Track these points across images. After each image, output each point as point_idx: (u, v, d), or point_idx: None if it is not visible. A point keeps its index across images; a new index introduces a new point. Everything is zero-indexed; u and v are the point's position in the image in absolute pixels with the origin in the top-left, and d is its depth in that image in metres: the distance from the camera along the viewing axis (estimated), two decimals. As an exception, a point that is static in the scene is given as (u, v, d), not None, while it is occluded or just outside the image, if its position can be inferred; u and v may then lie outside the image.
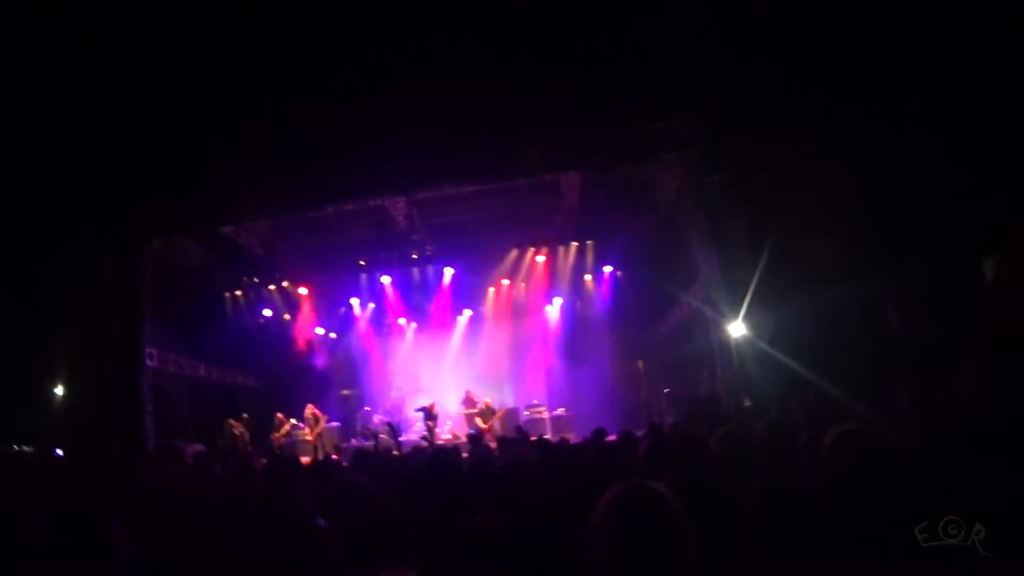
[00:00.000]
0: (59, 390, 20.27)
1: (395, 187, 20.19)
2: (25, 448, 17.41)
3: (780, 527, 2.61)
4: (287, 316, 27.24)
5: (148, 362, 20.41)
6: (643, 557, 2.36)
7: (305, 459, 16.69)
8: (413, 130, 18.37)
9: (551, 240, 24.94)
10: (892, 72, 13.62)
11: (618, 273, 25.27)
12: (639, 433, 10.25)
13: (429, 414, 22.69)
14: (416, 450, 10.64)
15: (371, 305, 27.68)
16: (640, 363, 24.93)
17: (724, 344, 18.01)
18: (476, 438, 14.51)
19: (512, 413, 23.65)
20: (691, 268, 20.00)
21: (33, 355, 19.46)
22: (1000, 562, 2.62)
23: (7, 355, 18.27)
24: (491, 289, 27.00)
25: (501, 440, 13.45)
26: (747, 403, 16.43)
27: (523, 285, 26.53)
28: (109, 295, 19.87)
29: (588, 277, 25.94)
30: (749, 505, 2.70)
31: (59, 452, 15.77)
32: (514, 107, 17.76)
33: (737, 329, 17.18)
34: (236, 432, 22.76)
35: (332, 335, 28.00)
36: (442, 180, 19.89)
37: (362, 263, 25.71)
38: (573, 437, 18.04)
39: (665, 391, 23.30)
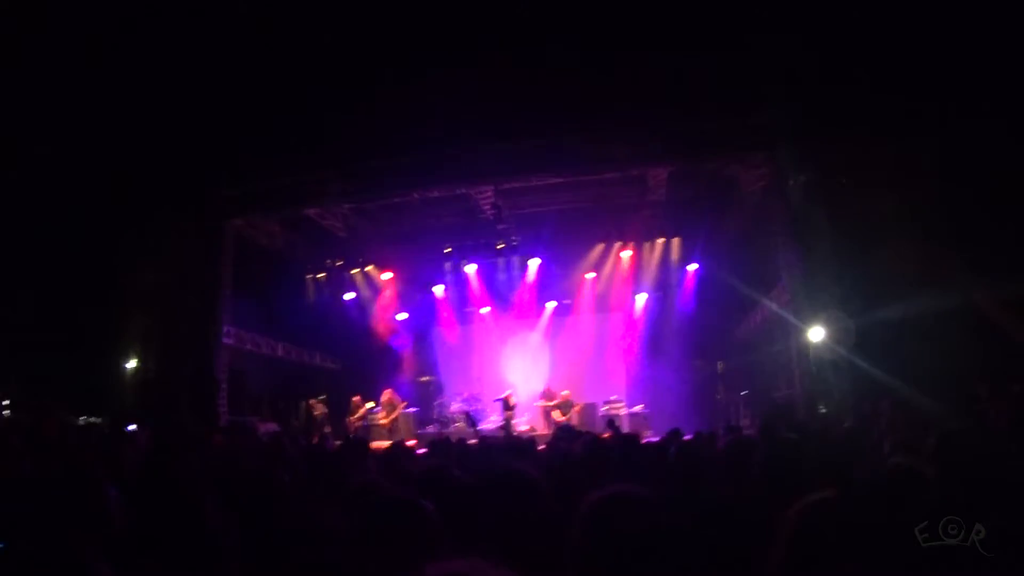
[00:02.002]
0: (131, 364, 20.63)
1: (482, 175, 20.20)
2: (94, 420, 17.75)
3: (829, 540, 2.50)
4: (369, 300, 27.36)
5: (225, 339, 20.72)
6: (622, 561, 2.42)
7: (380, 443, 16.82)
8: (502, 119, 18.33)
9: (637, 235, 24.72)
10: (980, 74, 13.20)
11: (702, 271, 24.92)
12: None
13: (507, 404, 22.60)
14: (491, 439, 10.59)
15: (454, 293, 27.67)
16: (720, 364, 24.57)
17: (803, 349, 17.71)
18: (568, 429, 14.22)
19: (590, 407, 23.49)
20: (773, 270, 19.77)
21: (107, 328, 19.82)
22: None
23: (82, 327, 18.63)
24: (576, 282, 26.79)
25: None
26: (822, 410, 16.14)
27: (608, 279, 26.33)
28: (188, 272, 20.19)
29: (672, 274, 25.63)
30: (796, 515, 2.57)
31: (131, 426, 15.99)
32: (603, 99, 17.64)
33: (817, 334, 16.87)
34: (316, 413, 22.98)
35: (414, 321, 28.03)
36: (529, 170, 19.84)
37: (447, 250, 25.73)
38: (650, 435, 17.82)
39: (743, 394, 22.98)
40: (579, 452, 6.99)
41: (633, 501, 2.60)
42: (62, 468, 3.82)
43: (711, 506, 3.75)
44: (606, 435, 13.04)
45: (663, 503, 2.60)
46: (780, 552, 2.43)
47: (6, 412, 18.16)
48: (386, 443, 16.86)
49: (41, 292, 17.91)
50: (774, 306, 19.77)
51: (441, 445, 8.95)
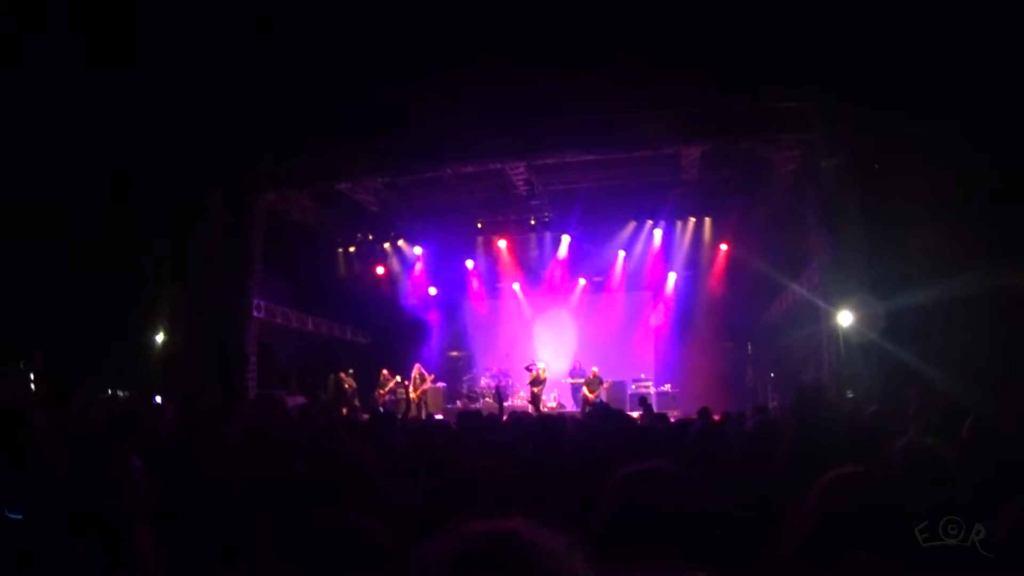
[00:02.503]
0: (159, 337, 20.77)
1: (515, 151, 20.17)
2: (121, 393, 17.89)
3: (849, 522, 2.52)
4: (399, 274, 27.43)
5: (255, 313, 20.82)
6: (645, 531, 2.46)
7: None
8: (536, 95, 18.31)
9: (669, 214, 24.62)
10: (1013, 57, 13.04)
11: (733, 252, 24.81)
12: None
13: (536, 379, 22.60)
14: (521, 415, 10.60)
15: (485, 268, 27.72)
16: (749, 345, 24.51)
17: (833, 333, 17.64)
18: (603, 407, 14.04)
19: (619, 385, 23.53)
20: (804, 253, 19.68)
21: (136, 302, 19.95)
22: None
23: (111, 301, 18.76)
24: (607, 260, 26.73)
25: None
26: (850, 394, 16.07)
27: (639, 258, 26.27)
28: (219, 245, 20.32)
29: (704, 254, 25.54)
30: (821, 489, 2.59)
31: (158, 399, 16.12)
32: (638, 78, 17.58)
33: (846, 319, 16.79)
34: (346, 386, 23.12)
35: (444, 296, 28.09)
36: (563, 147, 19.80)
37: (479, 225, 25.75)
38: (678, 414, 17.84)
39: (771, 376, 22.92)
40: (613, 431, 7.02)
41: (661, 477, 2.61)
42: (87, 441, 3.87)
43: (738, 485, 3.77)
44: (636, 414, 13.08)
45: (690, 480, 2.63)
46: (802, 524, 2.46)
47: (32, 386, 18.34)
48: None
49: (70, 265, 18.04)
50: (804, 289, 19.68)
51: (471, 419, 8.98)
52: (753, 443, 5.21)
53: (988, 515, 2.49)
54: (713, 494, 2.95)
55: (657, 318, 26.76)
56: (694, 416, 10.60)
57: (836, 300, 17.27)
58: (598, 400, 20.37)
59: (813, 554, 2.38)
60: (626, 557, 2.32)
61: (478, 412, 10.81)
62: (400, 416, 17.43)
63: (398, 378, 23.67)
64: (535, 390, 22.55)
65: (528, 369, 22.96)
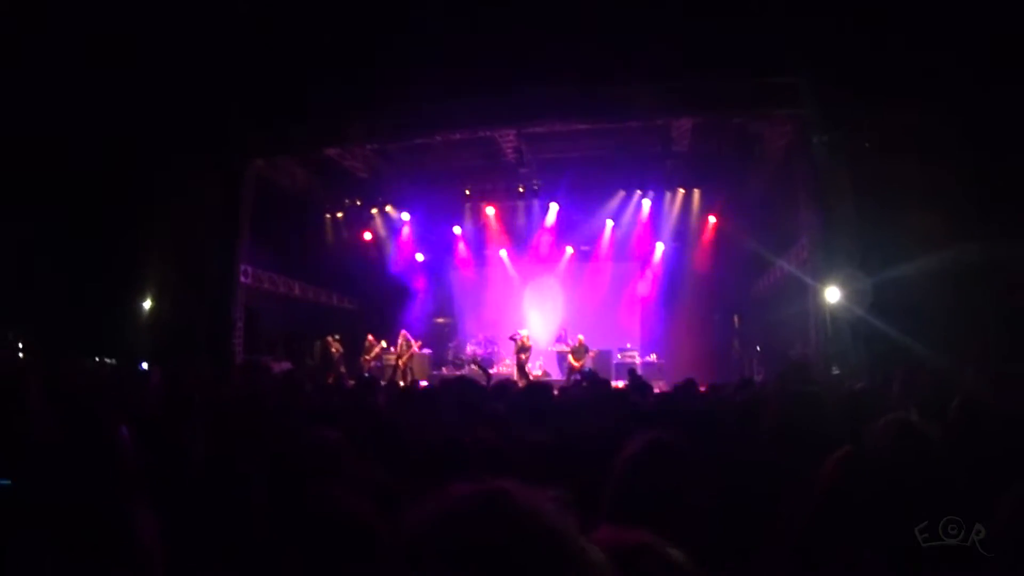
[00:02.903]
0: (146, 304, 20.72)
1: (505, 119, 20.12)
2: (108, 360, 17.86)
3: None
4: (387, 240, 27.37)
5: (242, 279, 20.77)
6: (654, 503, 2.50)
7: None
8: (527, 63, 18.22)
9: (658, 185, 24.60)
10: (1007, 37, 13.04)
11: (721, 225, 24.84)
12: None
13: (521, 348, 22.63)
14: (505, 382, 10.59)
15: (473, 235, 27.70)
16: (735, 318, 24.59)
17: (820, 309, 17.70)
18: (592, 375, 13.96)
19: (604, 355, 23.58)
20: (794, 228, 19.72)
21: (124, 269, 19.88)
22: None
23: (99, 269, 18.68)
24: (595, 229, 26.72)
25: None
26: (836, 371, 16.14)
27: (627, 228, 26.28)
28: (208, 212, 20.24)
29: (692, 226, 25.55)
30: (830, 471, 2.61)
31: (144, 366, 16.10)
32: (630, 48, 17.52)
33: (834, 295, 16.85)
34: (333, 351, 23.13)
35: (431, 262, 28.06)
36: (553, 115, 19.75)
37: (467, 192, 25.70)
38: (663, 385, 17.90)
39: (757, 349, 23.01)
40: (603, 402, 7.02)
41: (671, 449, 2.66)
42: (76, 409, 3.87)
43: (727, 461, 3.78)
44: (620, 383, 13.11)
45: (699, 453, 2.67)
46: (811, 506, 2.47)
47: (20, 355, 18.28)
48: (400, 384, 17.07)
49: (59, 234, 17.95)
50: (792, 265, 19.74)
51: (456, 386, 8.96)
52: (742, 417, 5.23)
53: (979, 499, 2.49)
54: (713, 469, 2.96)
55: (644, 287, 26.79)
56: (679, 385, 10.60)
57: (824, 276, 17.30)
58: (587, 369, 20.38)
59: (816, 542, 2.40)
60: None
61: (463, 378, 10.78)
62: (384, 382, 17.46)
63: (383, 344, 23.68)
64: (521, 357, 22.56)
65: (512, 339, 22.98)
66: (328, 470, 3.53)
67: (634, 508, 2.45)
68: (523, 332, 23.20)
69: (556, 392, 8.00)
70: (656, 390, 10.22)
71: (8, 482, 2.85)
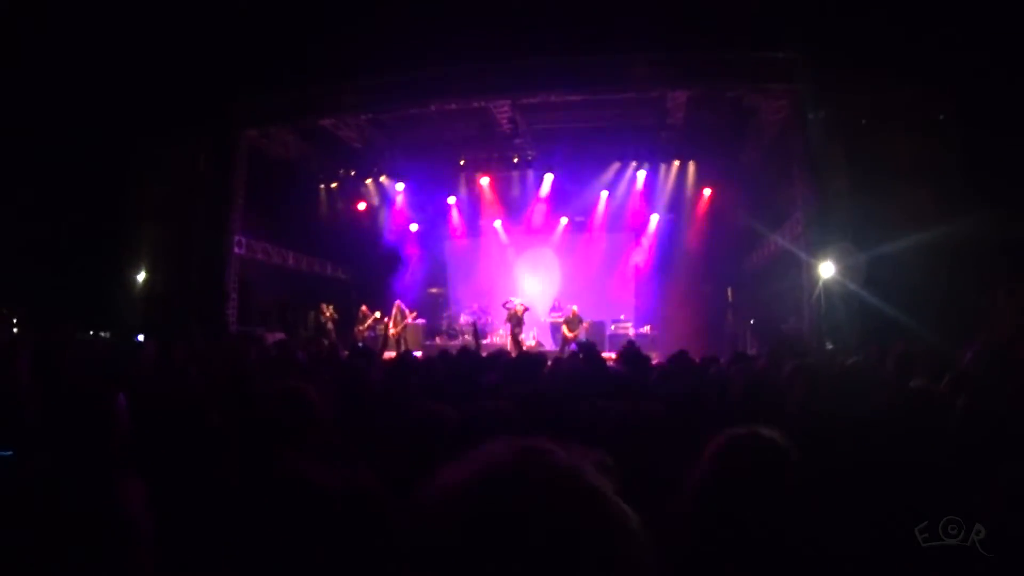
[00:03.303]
0: (140, 276, 20.71)
1: (500, 89, 20.06)
2: (103, 334, 17.85)
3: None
4: (381, 211, 27.33)
5: (236, 249, 20.76)
6: (751, 511, 2.21)
7: (388, 354, 16.94)
8: (522, 33, 18.16)
9: (653, 156, 24.57)
10: (1001, 16, 13.03)
11: (716, 197, 24.84)
12: (721, 360, 10.02)
13: (515, 318, 22.62)
14: (498, 353, 10.57)
15: (467, 205, 27.65)
16: (729, 291, 24.63)
17: (814, 283, 17.74)
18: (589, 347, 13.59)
19: (598, 326, 23.60)
20: (788, 202, 19.75)
21: (118, 242, 19.84)
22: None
23: (92, 241, 18.64)
24: (590, 200, 26.69)
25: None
26: (829, 345, 16.17)
27: (621, 199, 26.26)
28: (201, 182, 20.21)
29: (687, 199, 25.53)
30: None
31: (140, 337, 16.08)
32: (627, 19, 17.46)
33: (828, 269, 16.87)
34: (324, 318, 23.13)
35: (425, 232, 28.04)
36: (548, 86, 19.70)
37: (462, 163, 25.63)
38: (656, 357, 17.93)
39: (751, 322, 23.05)
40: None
41: (765, 444, 2.38)
42: (66, 382, 3.88)
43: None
44: (612, 355, 13.12)
45: (796, 448, 2.41)
46: None
47: (15, 328, 18.26)
48: (392, 353, 17.11)
49: (51, 207, 17.88)
50: (786, 239, 19.77)
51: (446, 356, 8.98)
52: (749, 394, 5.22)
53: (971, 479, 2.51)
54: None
55: (638, 258, 26.78)
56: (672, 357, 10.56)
57: (818, 250, 17.35)
58: (583, 339, 20.37)
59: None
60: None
61: (465, 350, 10.73)
62: (378, 352, 17.52)
63: (377, 314, 23.68)
64: (515, 328, 22.57)
65: (505, 307, 22.97)
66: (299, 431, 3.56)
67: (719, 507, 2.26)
68: (516, 300, 23.19)
69: (549, 363, 8.01)
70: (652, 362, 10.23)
71: (10, 453, 2.87)
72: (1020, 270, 13.72)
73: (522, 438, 1.21)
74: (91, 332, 17.70)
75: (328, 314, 23.31)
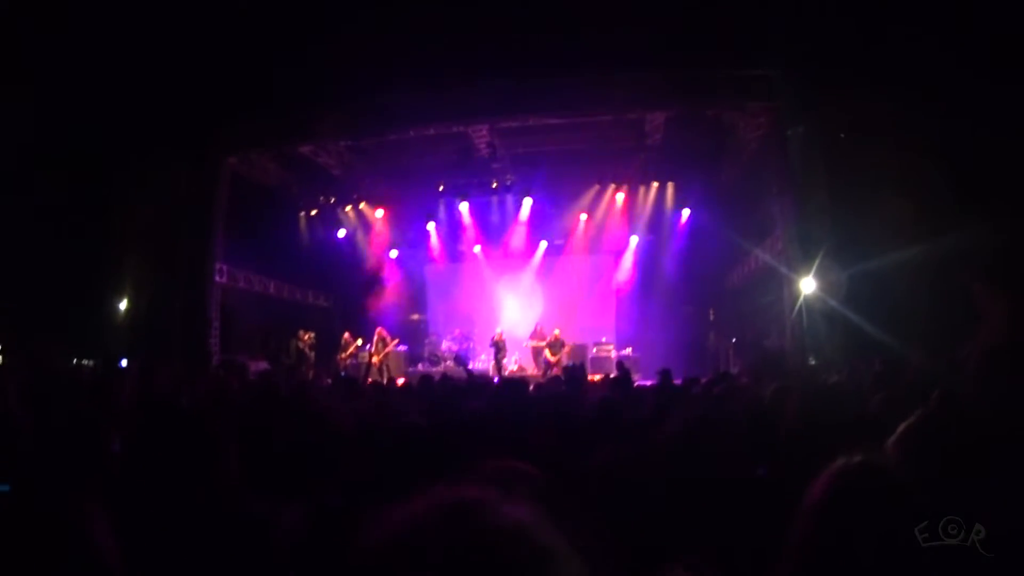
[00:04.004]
0: (123, 304, 20.61)
1: (478, 113, 20.11)
2: (86, 362, 17.73)
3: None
4: (361, 238, 27.29)
5: (217, 277, 20.72)
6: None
7: (369, 380, 16.88)
8: (499, 58, 18.23)
9: (632, 178, 24.68)
10: (980, 26, 13.14)
11: (695, 218, 24.96)
12: (703, 380, 10.01)
13: (498, 346, 22.69)
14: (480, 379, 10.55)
15: (447, 231, 27.65)
16: (711, 311, 24.70)
17: (795, 299, 17.79)
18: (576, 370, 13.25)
19: (580, 348, 23.60)
20: (767, 219, 19.82)
21: (101, 269, 19.74)
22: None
23: (75, 269, 18.53)
24: (569, 223, 26.77)
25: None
26: (812, 362, 16.19)
27: (601, 221, 26.36)
28: (182, 210, 20.17)
29: (666, 219, 25.64)
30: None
31: (123, 363, 15.97)
32: (605, 42, 17.55)
33: (808, 285, 16.93)
34: (302, 343, 23.04)
35: (405, 259, 28.03)
36: (526, 109, 19.75)
37: (440, 188, 25.65)
38: (639, 378, 17.91)
39: (732, 341, 23.10)
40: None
41: (877, 473, 2.10)
42: (59, 413, 3.84)
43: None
44: (594, 377, 13.09)
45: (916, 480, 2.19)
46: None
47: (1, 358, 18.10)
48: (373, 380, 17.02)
49: (32, 234, 17.75)
50: (767, 255, 19.82)
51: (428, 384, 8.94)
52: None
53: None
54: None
55: (619, 280, 26.84)
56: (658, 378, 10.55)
57: (799, 267, 17.40)
58: (573, 363, 20.37)
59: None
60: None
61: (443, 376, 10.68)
62: (361, 380, 17.47)
63: (359, 342, 23.64)
64: (499, 355, 22.62)
65: (494, 343, 23.05)
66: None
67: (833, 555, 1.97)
68: (497, 330, 23.36)
69: (531, 388, 8.01)
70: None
71: (7, 488, 2.83)
72: (1004, 282, 13.77)
73: (461, 488, 1.17)
74: (75, 359, 17.60)
75: (306, 339, 23.23)
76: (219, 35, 17.37)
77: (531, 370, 23.55)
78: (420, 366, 24.57)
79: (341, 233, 27.05)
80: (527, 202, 25.96)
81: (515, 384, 7.80)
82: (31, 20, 15.82)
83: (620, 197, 25.35)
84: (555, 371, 20.28)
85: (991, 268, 13.20)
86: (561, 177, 24.91)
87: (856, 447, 2.96)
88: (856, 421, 3.91)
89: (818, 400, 4.42)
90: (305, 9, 17.30)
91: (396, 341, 23.72)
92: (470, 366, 20.94)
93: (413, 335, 26.88)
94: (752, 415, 5.27)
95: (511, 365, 23.82)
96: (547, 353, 22.57)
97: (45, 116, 17.06)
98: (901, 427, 2.74)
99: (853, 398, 5.69)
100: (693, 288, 25.33)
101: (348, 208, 26.52)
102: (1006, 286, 12.55)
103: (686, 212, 25.17)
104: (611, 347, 24.17)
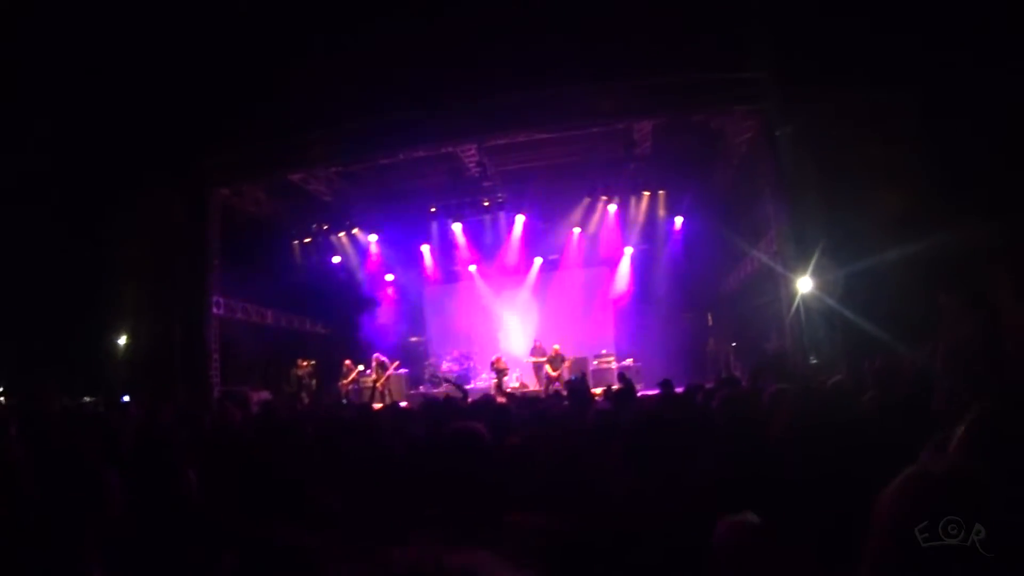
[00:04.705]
0: (123, 340, 20.61)
1: (466, 133, 20.12)
2: (87, 399, 17.70)
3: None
4: (356, 263, 27.29)
5: (215, 310, 20.72)
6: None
7: (375, 405, 16.90)
8: (485, 75, 18.24)
9: (623, 189, 24.68)
10: (964, 21, 13.16)
11: (689, 224, 24.99)
12: (708, 386, 10.00)
13: (499, 371, 22.80)
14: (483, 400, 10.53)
15: (441, 252, 27.66)
16: (709, 316, 24.70)
17: (792, 300, 17.78)
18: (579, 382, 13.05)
19: (580, 362, 23.58)
20: (761, 221, 19.87)
21: (98, 306, 19.73)
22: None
23: (72, 306, 18.52)
24: (563, 237, 26.80)
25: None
26: (813, 361, 16.17)
27: (594, 234, 26.39)
28: (176, 244, 20.16)
29: (659, 228, 25.68)
30: None
31: (125, 399, 15.95)
32: (589, 53, 17.57)
33: (805, 285, 16.92)
34: (301, 371, 23.04)
35: (401, 282, 28.05)
36: (514, 126, 19.78)
37: (432, 210, 25.67)
38: (641, 388, 17.89)
39: (733, 345, 23.09)
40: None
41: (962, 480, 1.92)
42: (60, 455, 3.82)
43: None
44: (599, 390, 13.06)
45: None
46: None
47: (2, 399, 18.07)
48: (379, 405, 17.03)
49: (28, 273, 17.72)
50: (763, 257, 19.82)
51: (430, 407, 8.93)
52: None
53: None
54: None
55: (616, 292, 26.85)
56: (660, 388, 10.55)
57: (795, 267, 17.39)
58: (575, 377, 20.35)
59: None
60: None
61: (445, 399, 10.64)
62: (367, 405, 17.55)
63: (360, 367, 23.63)
64: (500, 375, 22.78)
65: (495, 369, 23.13)
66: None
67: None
68: (495, 356, 23.77)
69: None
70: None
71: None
72: (994, 277, 13.74)
73: (451, 547, 1.16)
74: (77, 397, 17.56)
75: (305, 366, 23.24)
76: (206, 65, 17.41)
77: (533, 386, 23.54)
78: (422, 388, 24.56)
79: (336, 260, 27.01)
80: (519, 219, 26.01)
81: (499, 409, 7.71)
82: (19, 48, 15.86)
83: (612, 208, 25.33)
84: (556, 386, 20.30)
85: (976, 263, 13.22)
86: (552, 192, 24.98)
87: (854, 448, 2.95)
88: (852, 421, 3.89)
89: (814, 401, 4.41)
90: (287, 41, 17.33)
91: (396, 364, 23.74)
92: (470, 386, 20.95)
93: (413, 357, 26.84)
94: (691, 416, 5.29)
95: (512, 383, 23.80)
96: (548, 368, 22.60)
97: (38, 152, 17.09)
98: (961, 429, 2.59)
99: (853, 397, 5.69)
100: (690, 295, 25.37)
101: (341, 234, 26.45)
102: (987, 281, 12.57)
103: (679, 219, 25.21)
104: (612, 359, 24.16)
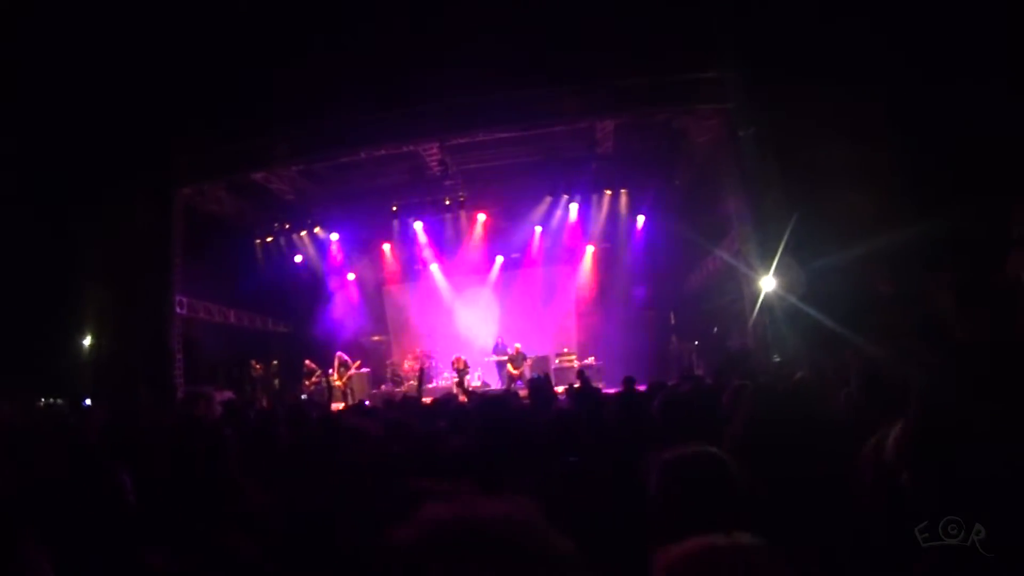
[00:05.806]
0: (87, 341, 20.40)
1: (427, 131, 20.07)
2: (53, 400, 17.52)
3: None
4: (318, 262, 27.17)
5: (178, 310, 20.55)
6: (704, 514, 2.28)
7: (336, 405, 16.83)
8: (447, 74, 18.24)
9: (585, 188, 24.73)
10: (926, 22, 13.31)
11: (651, 223, 25.08)
12: (669, 383, 10.03)
13: (460, 371, 22.79)
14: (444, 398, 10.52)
15: (402, 251, 27.60)
16: (671, 315, 24.81)
17: (756, 298, 17.87)
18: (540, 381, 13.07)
19: (542, 360, 23.62)
20: (724, 221, 19.95)
21: (62, 307, 19.52)
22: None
23: (35, 307, 18.30)
24: (524, 236, 26.81)
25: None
26: (776, 359, 16.27)
27: (556, 233, 26.42)
28: (140, 244, 19.96)
29: (621, 226, 25.74)
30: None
31: (87, 402, 15.80)
32: (551, 52, 17.59)
33: (768, 284, 17.01)
34: (255, 372, 22.95)
35: (363, 281, 27.96)
36: (476, 125, 19.75)
37: (394, 208, 25.60)
38: (603, 387, 17.92)
39: (695, 343, 23.20)
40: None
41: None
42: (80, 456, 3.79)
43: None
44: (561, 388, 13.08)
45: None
46: None
47: None
48: (341, 404, 16.98)
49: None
50: (725, 255, 19.91)
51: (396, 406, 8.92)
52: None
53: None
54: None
55: (580, 286, 26.91)
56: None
57: (758, 266, 17.48)
58: (536, 375, 20.35)
59: None
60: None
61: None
62: (324, 404, 17.54)
63: (322, 368, 23.56)
64: (461, 374, 22.76)
65: (456, 368, 23.13)
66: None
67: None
68: (455, 355, 23.73)
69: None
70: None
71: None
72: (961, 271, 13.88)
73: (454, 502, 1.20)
74: (42, 399, 17.36)
75: (259, 368, 23.14)
76: (167, 68, 17.28)
77: (495, 385, 23.56)
78: (383, 387, 24.50)
79: (298, 259, 26.86)
80: (481, 217, 26.03)
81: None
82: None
83: (574, 207, 25.37)
84: (518, 384, 20.34)
85: (941, 258, 13.36)
86: (513, 190, 25.02)
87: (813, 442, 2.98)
88: (813, 417, 3.93)
89: (774, 397, 4.43)
90: (249, 41, 17.23)
91: (358, 364, 23.70)
92: (432, 384, 20.93)
93: (376, 356, 26.77)
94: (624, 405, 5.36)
95: (474, 381, 23.80)
96: (509, 367, 22.62)
97: (0, 152, 16.88)
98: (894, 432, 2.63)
99: (816, 394, 5.74)
100: (653, 293, 25.44)
101: (303, 233, 26.33)
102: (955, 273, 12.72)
103: (641, 218, 25.29)
104: (573, 357, 24.19)
